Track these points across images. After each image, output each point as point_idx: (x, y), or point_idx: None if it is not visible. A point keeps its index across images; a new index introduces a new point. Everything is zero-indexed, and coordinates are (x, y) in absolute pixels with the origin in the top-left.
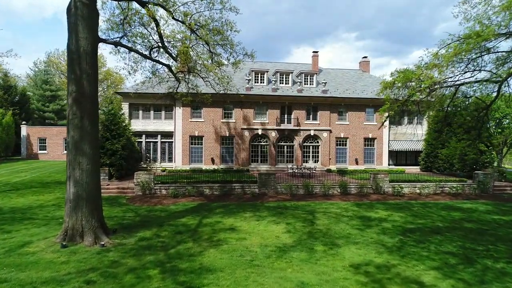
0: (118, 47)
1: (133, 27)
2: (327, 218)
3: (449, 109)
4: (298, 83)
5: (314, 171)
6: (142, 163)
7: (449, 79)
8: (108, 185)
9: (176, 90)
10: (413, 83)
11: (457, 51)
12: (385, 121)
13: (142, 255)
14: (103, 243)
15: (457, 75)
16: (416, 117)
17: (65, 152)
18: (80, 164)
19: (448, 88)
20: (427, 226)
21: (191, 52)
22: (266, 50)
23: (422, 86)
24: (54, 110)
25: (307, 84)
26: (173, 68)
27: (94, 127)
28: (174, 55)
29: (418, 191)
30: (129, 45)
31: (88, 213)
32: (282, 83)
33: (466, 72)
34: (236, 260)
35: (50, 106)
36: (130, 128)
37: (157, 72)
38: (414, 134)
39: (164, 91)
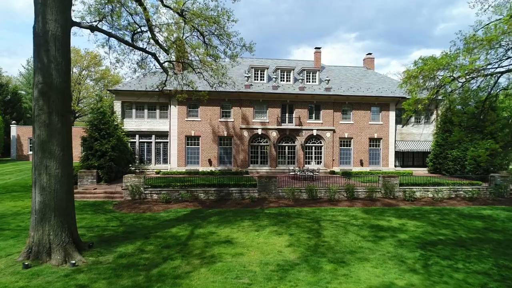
0: (95, 32)
1: (117, 9)
2: (334, 228)
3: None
4: (300, 81)
5: (317, 173)
6: (131, 165)
7: (489, 66)
8: (95, 189)
9: (165, 83)
10: (446, 72)
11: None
12: (410, 117)
13: (119, 278)
14: (74, 261)
15: (495, 62)
16: (423, 116)
17: None
18: (47, 168)
19: (485, 78)
20: (449, 237)
21: (182, 41)
22: (266, 50)
23: (456, 74)
24: None
25: (309, 81)
26: (160, 58)
27: (65, 125)
28: (166, 47)
29: (431, 195)
30: (118, 33)
31: (57, 225)
32: (283, 80)
33: (506, 59)
34: (231, 284)
35: None
36: (122, 127)
37: (145, 64)
38: (421, 134)
39: (157, 88)
